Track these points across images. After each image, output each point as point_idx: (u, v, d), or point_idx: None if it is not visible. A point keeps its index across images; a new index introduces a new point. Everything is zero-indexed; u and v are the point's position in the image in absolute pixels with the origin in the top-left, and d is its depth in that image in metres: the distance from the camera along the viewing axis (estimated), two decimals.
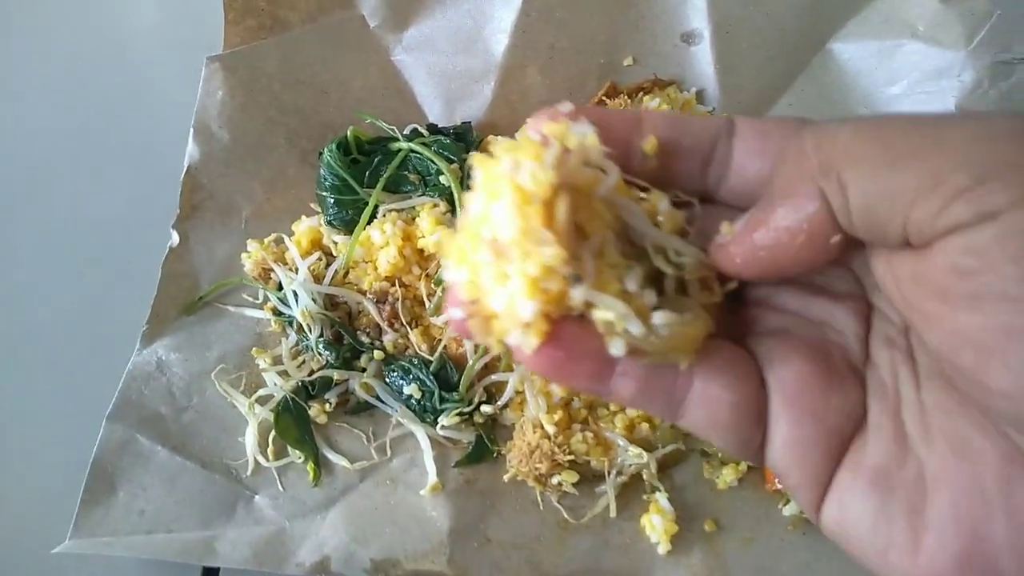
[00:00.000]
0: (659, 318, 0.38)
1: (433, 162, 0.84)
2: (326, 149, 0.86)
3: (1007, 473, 0.34)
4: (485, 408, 0.79)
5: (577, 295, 0.37)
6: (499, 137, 0.93)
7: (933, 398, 0.37)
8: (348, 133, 0.87)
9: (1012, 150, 0.30)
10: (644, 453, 0.75)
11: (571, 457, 0.75)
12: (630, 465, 0.75)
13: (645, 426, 0.78)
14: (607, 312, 0.37)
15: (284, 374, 0.81)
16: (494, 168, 0.38)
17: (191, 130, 0.88)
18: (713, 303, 0.42)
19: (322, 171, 0.87)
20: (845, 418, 0.39)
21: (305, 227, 0.88)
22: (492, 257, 0.38)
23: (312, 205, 0.91)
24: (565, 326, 0.38)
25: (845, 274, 0.41)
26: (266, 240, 0.88)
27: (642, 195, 0.42)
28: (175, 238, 0.86)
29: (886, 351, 0.40)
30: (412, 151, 0.86)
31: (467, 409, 0.78)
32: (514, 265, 0.37)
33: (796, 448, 0.39)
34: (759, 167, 0.41)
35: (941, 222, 0.31)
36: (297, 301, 0.82)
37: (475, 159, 0.40)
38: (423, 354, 0.81)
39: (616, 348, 0.38)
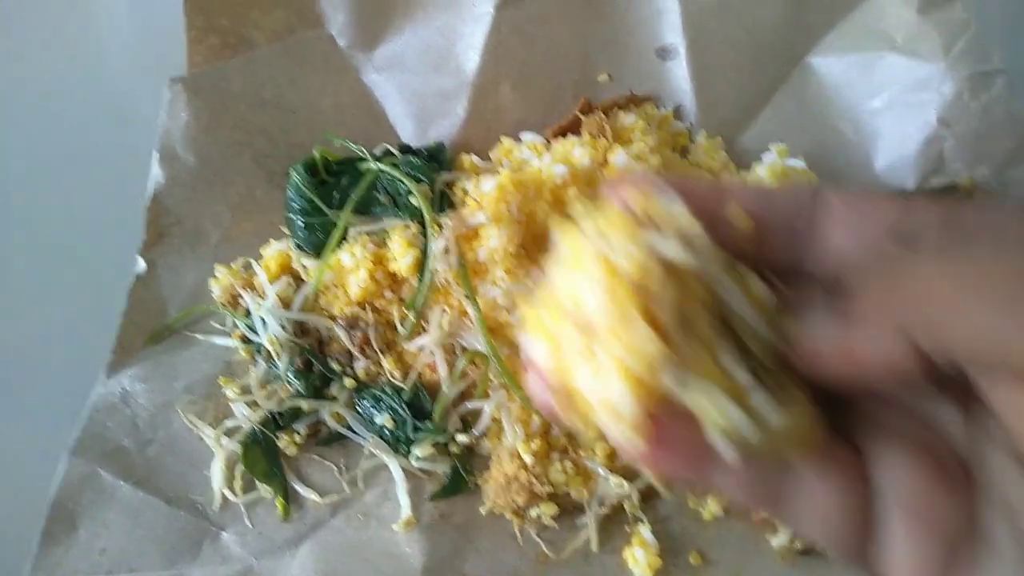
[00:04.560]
0: (771, 416, 0.35)
1: (403, 183, 0.82)
2: (292, 170, 0.84)
3: None
4: (461, 437, 0.76)
5: (680, 391, 0.34)
6: (473, 156, 0.91)
7: None
8: (315, 153, 0.84)
9: None
10: (626, 483, 0.73)
11: (550, 489, 0.72)
12: (612, 496, 0.73)
13: None
14: (717, 416, 0.34)
15: (253, 404, 0.79)
16: (578, 238, 0.36)
17: (155, 154, 0.85)
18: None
19: (289, 193, 0.84)
20: (961, 527, 0.35)
21: (274, 251, 0.85)
22: (578, 333, 0.35)
23: (283, 228, 0.89)
24: (662, 415, 0.35)
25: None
26: (234, 265, 0.86)
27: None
28: (141, 265, 0.84)
29: (1000, 452, 0.36)
30: (381, 171, 0.84)
31: (442, 439, 0.76)
32: (605, 348, 0.34)
33: (910, 560, 0.35)
34: (847, 243, 0.39)
35: None
36: (266, 328, 0.80)
37: (557, 225, 0.37)
38: (396, 381, 0.79)
39: (727, 452, 0.35)
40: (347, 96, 0.95)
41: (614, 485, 0.73)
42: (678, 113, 1.01)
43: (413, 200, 0.81)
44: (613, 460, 0.76)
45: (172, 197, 0.86)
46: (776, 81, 1.02)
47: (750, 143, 1.02)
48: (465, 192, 0.83)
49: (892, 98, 1.01)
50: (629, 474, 0.75)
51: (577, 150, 0.85)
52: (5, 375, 0.85)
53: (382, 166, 0.84)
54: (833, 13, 1.01)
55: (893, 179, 1.00)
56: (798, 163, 0.95)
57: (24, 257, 0.93)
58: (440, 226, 0.79)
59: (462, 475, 0.75)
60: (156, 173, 0.86)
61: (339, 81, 0.94)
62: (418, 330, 0.80)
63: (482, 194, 0.78)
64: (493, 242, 0.77)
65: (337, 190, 0.85)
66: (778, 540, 0.71)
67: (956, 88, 0.97)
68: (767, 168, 0.92)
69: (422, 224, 0.82)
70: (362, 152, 0.87)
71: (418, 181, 0.82)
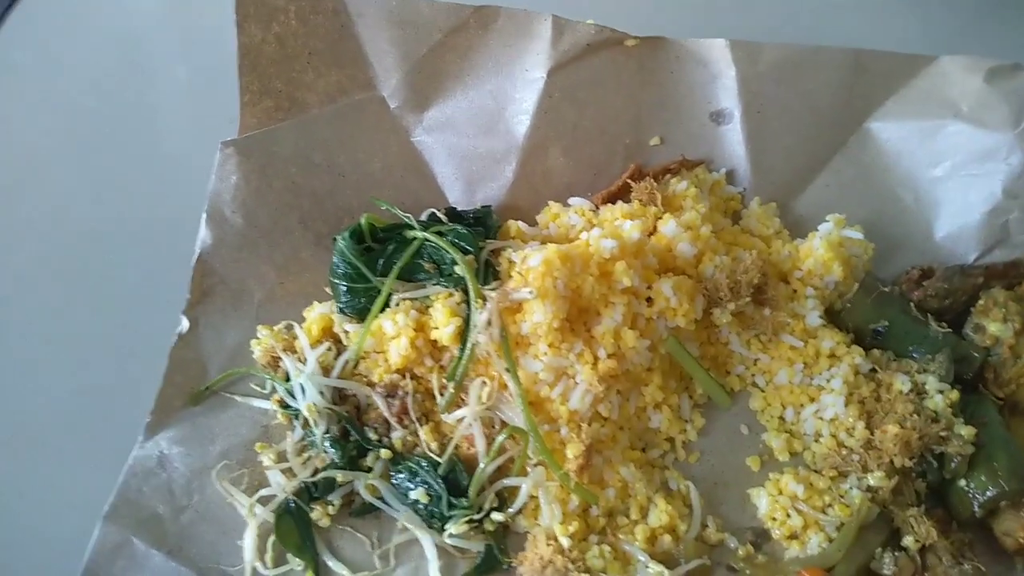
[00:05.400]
0: None
1: (448, 252, 0.81)
2: (339, 237, 0.84)
3: None
4: (496, 515, 0.74)
5: None
6: (520, 223, 0.90)
7: None
8: (362, 221, 0.84)
9: None
10: (665, 571, 0.70)
11: (587, 574, 0.70)
12: None
13: (667, 538, 0.73)
14: None
15: (288, 472, 0.77)
16: None
17: (204, 216, 0.86)
18: None
19: (335, 259, 0.84)
20: None
21: (316, 314, 0.85)
22: None
23: (326, 288, 0.88)
24: None
25: None
26: (276, 327, 0.85)
27: None
28: (184, 324, 0.84)
29: None
30: (427, 240, 0.83)
31: (477, 516, 0.74)
32: None
33: None
34: None
35: None
36: (304, 394, 0.79)
37: None
38: (432, 454, 0.77)
39: None
40: (396, 157, 0.94)
41: (653, 572, 0.71)
42: (731, 177, 0.99)
43: (458, 269, 0.80)
44: (653, 544, 0.73)
45: (218, 258, 0.86)
46: (833, 146, 1.00)
47: (805, 209, 0.99)
48: (511, 263, 0.82)
49: (955, 166, 0.97)
50: (669, 560, 0.72)
51: (627, 224, 0.83)
52: (47, 433, 0.86)
53: (428, 235, 0.83)
54: (894, 79, 0.97)
55: (954, 249, 0.97)
56: (855, 234, 0.92)
57: (66, 314, 0.93)
58: (483, 297, 0.78)
59: (496, 555, 0.73)
60: (204, 234, 0.86)
61: (389, 142, 0.94)
62: (457, 402, 0.79)
63: (528, 268, 0.76)
64: (537, 316, 0.75)
65: (382, 257, 0.84)
66: None
67: None
68: (823, 239, 0.89)
69: (465, 292, 0.81)
70: (409, 220, 0.86)
71: (464, 252, 0.81)
